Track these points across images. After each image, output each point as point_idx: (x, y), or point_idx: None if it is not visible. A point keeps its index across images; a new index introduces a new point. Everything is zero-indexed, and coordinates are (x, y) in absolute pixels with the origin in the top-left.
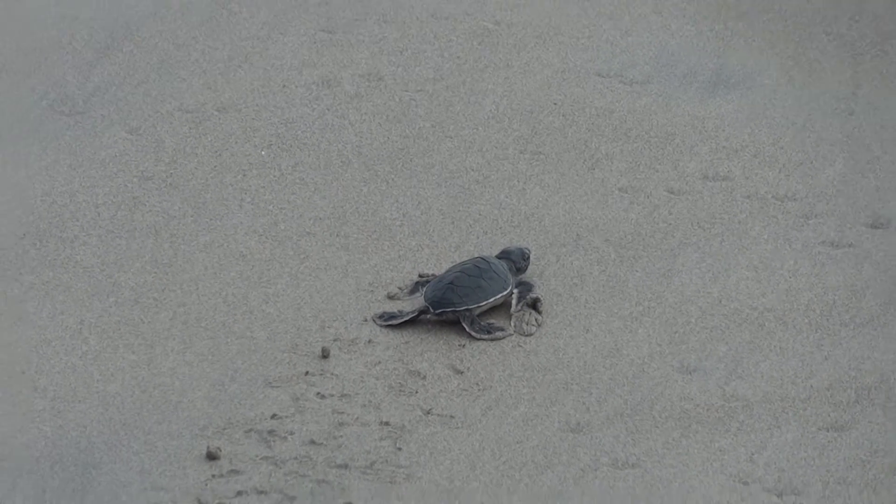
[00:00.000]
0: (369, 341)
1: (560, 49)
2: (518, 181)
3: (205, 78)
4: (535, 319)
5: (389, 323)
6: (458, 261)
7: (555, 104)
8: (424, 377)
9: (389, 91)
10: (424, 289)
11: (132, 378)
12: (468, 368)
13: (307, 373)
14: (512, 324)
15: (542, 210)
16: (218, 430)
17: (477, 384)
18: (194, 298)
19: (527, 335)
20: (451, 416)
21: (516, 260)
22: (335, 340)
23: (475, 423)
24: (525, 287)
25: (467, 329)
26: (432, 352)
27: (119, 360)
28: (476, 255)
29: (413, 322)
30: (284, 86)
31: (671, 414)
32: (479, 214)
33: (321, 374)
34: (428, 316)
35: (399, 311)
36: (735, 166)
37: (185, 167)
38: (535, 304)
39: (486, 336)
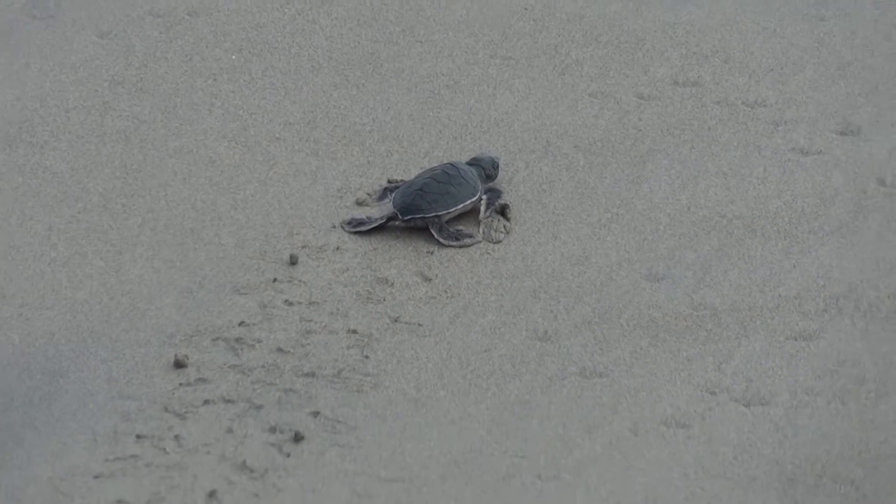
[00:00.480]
0: (337, 248)
1: None
2: (488, 86)
3: None
4: (504, 226)
5: (358, 229)
6: (428, 167)
7: (525, 9)
8: (392, 284)
9: None
10: (393, 195)
11: (100, 285)
12: (436, 276)
13: (275, 280)
14: (481, 230)
15: (511, 116)
16: (185, 337)
17: (445, 292)
18: (163, 204)
19: (495, 242)
20: (419, 325)
21: (486, 167)
22: (303, 247)
23: (443, 332)
24: (494, 194)
25: (436, 236)
26: (400, 259)
27: (87, 267)
28: (446, 162)
29: (382, 228)
30: None
31: (639, 322)
32: (449, 120)
33: (289, 282)
34: (396, 222)
35: (367, 217)
36: (705, 72)
37: (155, 72)
38: (503, 211)
39: (454, 243)
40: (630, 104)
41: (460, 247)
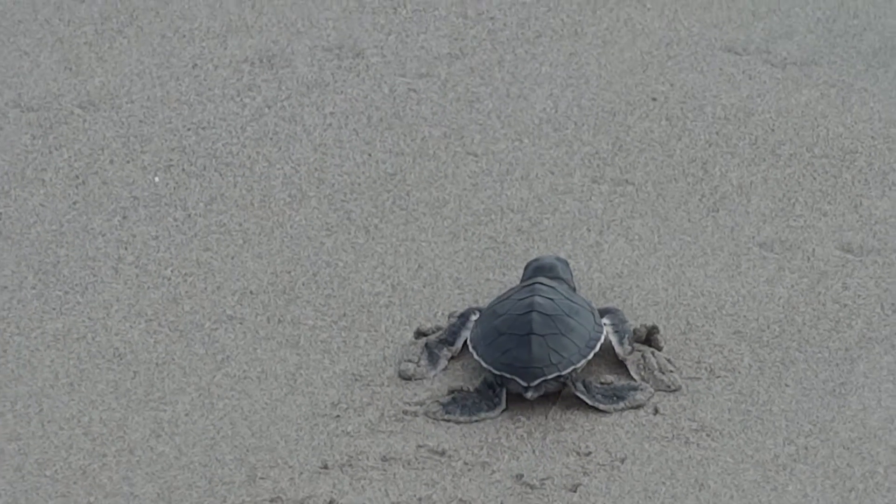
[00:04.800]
0: (331, 503)
1: (665, 7)
2: (589, 230)
3: (61, 52)
4: (669, 361)
5: (479, 416)
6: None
7: (653, 99)
8: None
9: (374, 75)
10: (475, 349)
11: None
12: None
13: None
14: (636, 375)
15: (628, 279)
16: None
17: None
18: (35, 429)
19: (674, 389)
20: None
21: (567, 278)
22: (273, 501)
23: None
24: (613, 316)
25: (588, 401)
26: None
27: None
28: (519, 286)
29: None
30: (195, 65)
31: None
32: None
33: None
34: (495, 411)
35: (471, 393)
36: None
37: (23, 200)
38: (650, 338)
39: (618, 405)
40: (830, 261)
41: (629, 407)
